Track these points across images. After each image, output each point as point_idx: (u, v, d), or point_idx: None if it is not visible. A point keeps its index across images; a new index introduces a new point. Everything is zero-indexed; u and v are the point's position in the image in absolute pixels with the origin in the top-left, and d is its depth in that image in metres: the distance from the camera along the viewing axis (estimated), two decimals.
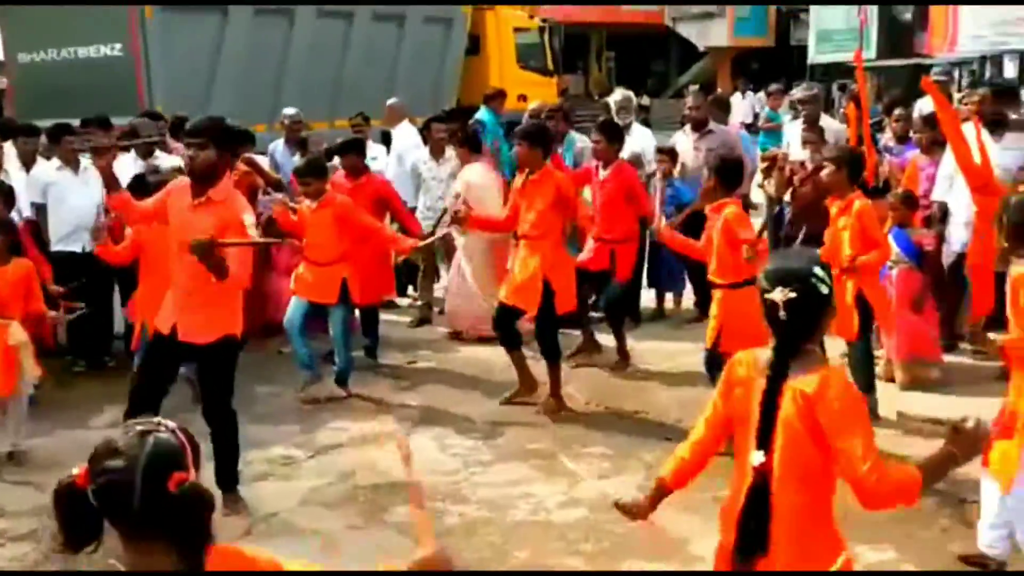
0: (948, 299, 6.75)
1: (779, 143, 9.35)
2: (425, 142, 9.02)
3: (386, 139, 10.48)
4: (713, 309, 5.56)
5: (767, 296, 2.64)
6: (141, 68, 12.21)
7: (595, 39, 32.99)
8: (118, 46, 12.32)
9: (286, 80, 13.73)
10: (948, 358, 6.63)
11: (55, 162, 7.20)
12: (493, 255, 7.56)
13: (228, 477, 4.85)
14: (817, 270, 2.65)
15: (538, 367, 6.34)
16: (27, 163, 7.34)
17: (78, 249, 6.97)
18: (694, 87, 9.34)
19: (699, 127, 8.19)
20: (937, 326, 6.51)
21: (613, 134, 7.06)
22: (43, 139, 7.51)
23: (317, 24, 14.28)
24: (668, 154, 8.07)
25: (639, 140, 8.46)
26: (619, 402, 6.38)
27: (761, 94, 17.58)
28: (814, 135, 7.67)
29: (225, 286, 4.61)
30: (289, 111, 9.30)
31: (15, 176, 7.19)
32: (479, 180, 7.65)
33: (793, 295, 2.59)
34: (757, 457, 2.57)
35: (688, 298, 8.40)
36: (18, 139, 7.46)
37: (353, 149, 7.50)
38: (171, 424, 1.89)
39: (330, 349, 6.77)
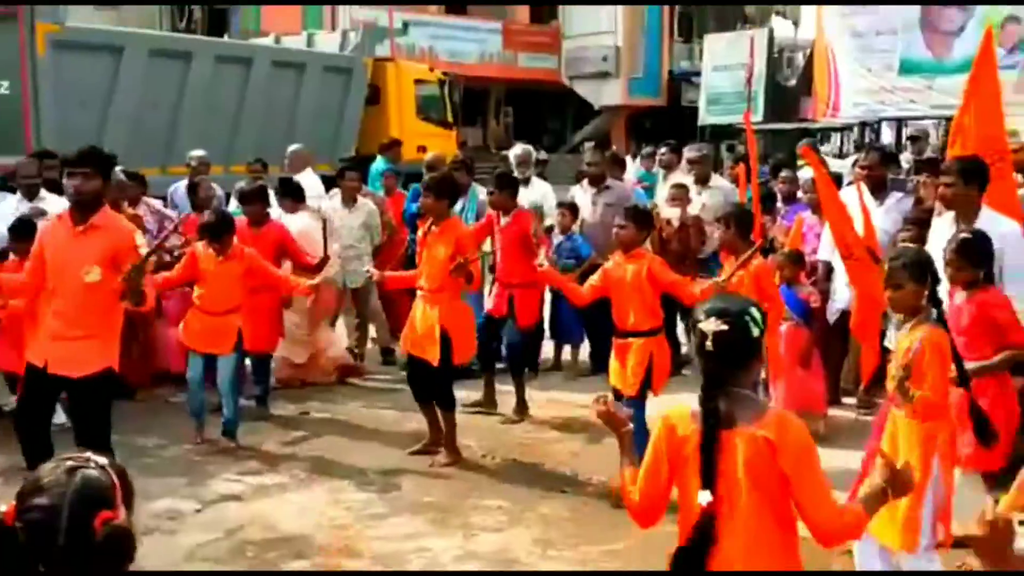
0: (832, 355, 6.97)
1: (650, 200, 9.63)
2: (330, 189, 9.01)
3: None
4: (633, 358, 5.59)
5: (699, 326, 2.69)
6: (30, 107, 11.82)
7: (494, 94, 33.44)
8: (5, 84, 11.90)
9: (181, 124, 13.47)
10: (833, 412, 6.84)
11: None
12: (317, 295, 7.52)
13: None
14: (753, 311, 2.72)
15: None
16: None
17: None
18: (590, 144, 9.58)
19: (597, 182, 8.36)
20: (823, 381, 6.70)
21: (504, 184, 7.15)
22: None
23: (215, 68, 14.09)
24: (569, 208, 8.24)
25: (539, 193, 8.60)
26: (516, 454, 6.37)
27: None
28: (681, 193, 7.99)
29: (115, 316, 4.72)
30: (196, 153, 9.30)
31: None
32: (303, 228, 7.70)
33: (724, 327, 2.64)
34: (705, 497, 2.60)
35: (585, 349, 8.48)
36: None
37: (257, 198, 7.42)
38: (102, 460, 1.83)
39: (220, 399, 6.58)
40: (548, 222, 8.31)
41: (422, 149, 15.34)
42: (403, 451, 6.33)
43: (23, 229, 6.29)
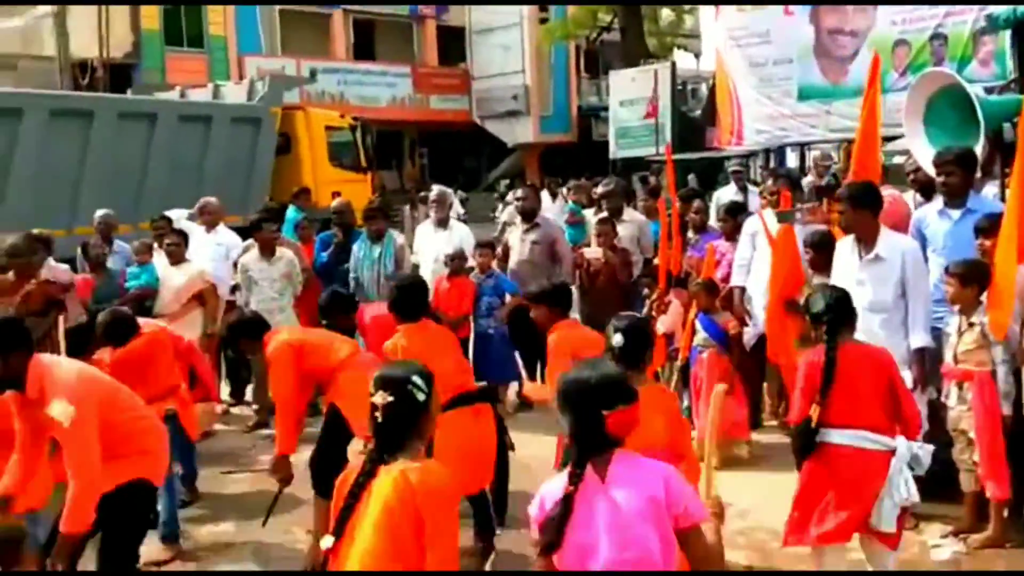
0: (751, 379, 7.07)
1: (585, 233, 9.68)
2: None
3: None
4: None
5: (372, 399, 2.86)
6: None
7: (408, 136, 33.53)
8: None
9: (85, 183, 13.17)
10: (755, 436, 6.93)
11: None
12: None
13: None
14: (416, 378, 2.88)
15: None
16: None
17: None
18: (505, 181, 9.60)
19: (529, 218, 8.35)
20: (746, 406, 6.78)
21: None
22: None
23: (117, 126, 13.84)
24: (490, 247, 8.22)
25: (459, 236, 8.57)
26: None
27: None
28: (606, 228, 8.03)
29: None
30: (101, 212, 9.22)
31: None
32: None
33: (391, 399, 2.83)
34: (327, 541, 2.83)
35: (512, 387, 8.34)
36: None
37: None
38: None
39: None
40: (471, 264, 8.27)
41: (337, 195, 15.24)
42: None
43: None
